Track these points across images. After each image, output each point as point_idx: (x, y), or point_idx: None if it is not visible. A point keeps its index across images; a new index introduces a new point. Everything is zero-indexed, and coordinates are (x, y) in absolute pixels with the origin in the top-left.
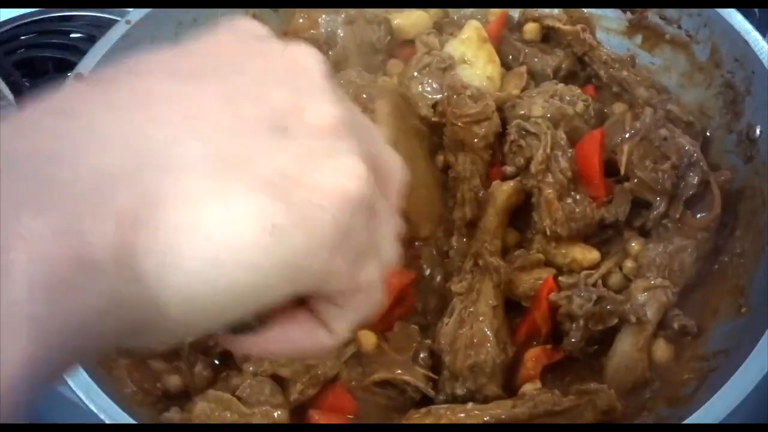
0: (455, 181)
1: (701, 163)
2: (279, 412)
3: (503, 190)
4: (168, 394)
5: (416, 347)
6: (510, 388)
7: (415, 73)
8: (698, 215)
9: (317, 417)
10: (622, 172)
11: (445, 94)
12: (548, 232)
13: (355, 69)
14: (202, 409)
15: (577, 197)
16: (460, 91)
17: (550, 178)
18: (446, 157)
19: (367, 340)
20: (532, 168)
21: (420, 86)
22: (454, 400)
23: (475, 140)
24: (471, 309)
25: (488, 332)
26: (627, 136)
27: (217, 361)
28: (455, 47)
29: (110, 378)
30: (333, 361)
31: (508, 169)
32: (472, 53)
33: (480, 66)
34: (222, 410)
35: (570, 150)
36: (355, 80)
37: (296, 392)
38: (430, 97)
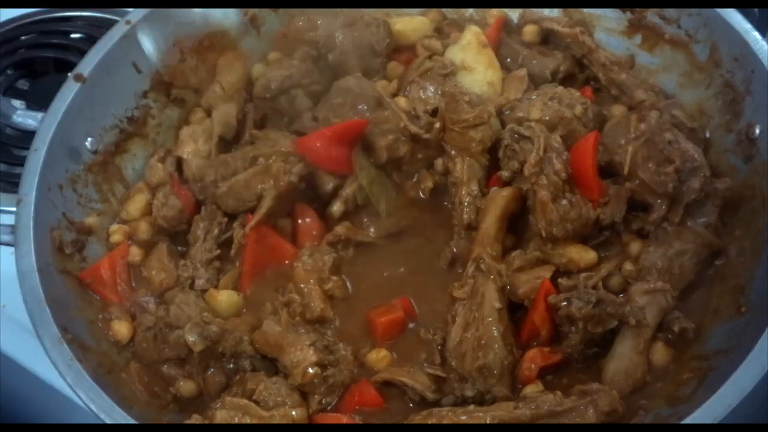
0: (454, 185)
1: (704, 169)
2: (296, 411)
3: (502, 197)
4: (180, 399)
5: (425, 351)
6: (513, 390)
7: (416, 78)
8: (698, 220)
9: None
10: (626, 171)
11: (443, 101)
12: (544, 234)
13: (354, 75)
14: (223, 417)
15: (573, 199)
16: (458, 97)
17: (544, 180)
18: (445, 163)
19: (379, 361)
20: (526, 171)
21: (420, 91)
22: (463, 402)
23: (473, 145)
24: (476, 313)
25: (495, 334)
26: (632, 137)
27: (230, 365)
28: (455, 53)
29: (111, 379)
30: (348, 368)
31: (504, 173)
32: (472, 59)
33: (480, 72)
34: (242, 416)
35: (566, 152)
36: (354, 89)
37: (315, 404)
38: (429, 102)
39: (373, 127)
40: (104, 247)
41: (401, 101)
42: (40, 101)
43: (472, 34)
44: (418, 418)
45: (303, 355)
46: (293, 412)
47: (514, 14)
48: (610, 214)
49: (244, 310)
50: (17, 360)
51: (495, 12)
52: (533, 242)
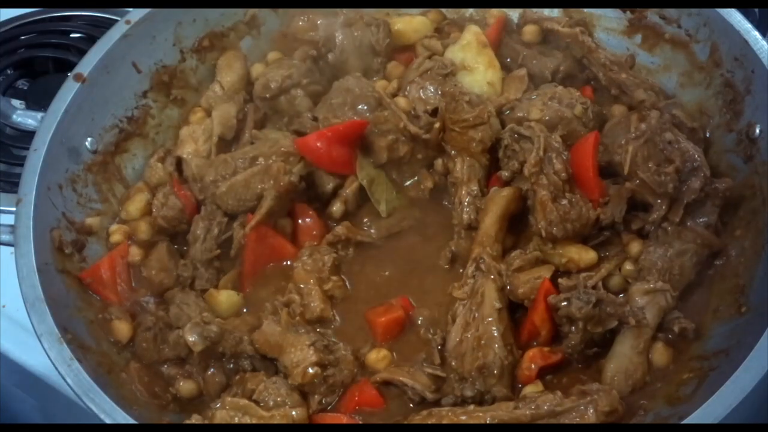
0: (454, 185)
1: (704, 169)
2: (297, 411)
3: (502, 197)
4: (180, 399)
5: (425, 351)
6: (513, 390)
7: (416, 78)
8: (698, 220)
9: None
10: (626, 171)
11: (443, 101)
12: (544, 234)
13: (353, 75)
14: (222, 417)
15: (573, 198)
16: (458, 97)
17: (544, 180)
18: (445, 163)
19: (379, 361)
20: (526, 171)
21: (420, 91)
22: (462, 402)
23: (473, 144)
24: (476, 312)
25: (495, 334)
26: (632, 137)
27: (230, 365)
28: (455, 53)
29: (111, 379)
30: (348, 368)
31: (504, 173)
32: (472, 58)
33: (480, 72)
34: (242, 416)
35: (566, 152)
36: (354, 89)
37: (315, 404)
38: (429, 102)
39: (373, 127)
40: (104, 247)
41: (401, 101)
42: (39, 101)
43: (472, 34)
44: (418, 418)
45: (303, 355)
46: (293, 412)
47: (514, 14)
48: (610, 214)
49: (244, 310)
50: (17, 360)
51: (495, 12)
52: (533, 242)
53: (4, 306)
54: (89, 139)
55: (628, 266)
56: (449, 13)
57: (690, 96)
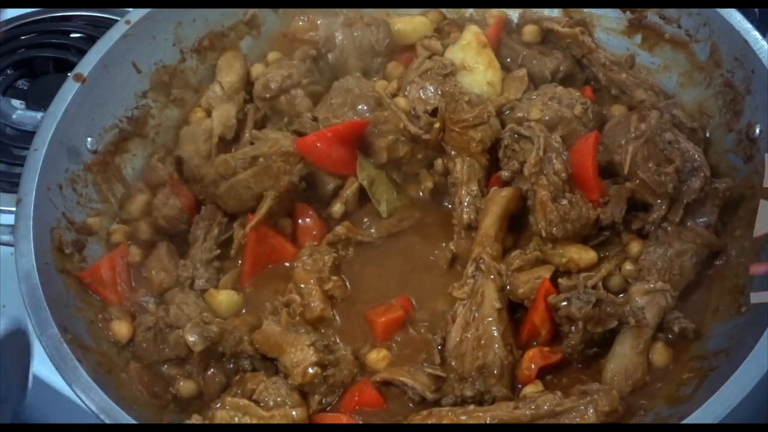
0: (454, 185)
1: (704, 169)
2: (297, 411)
3: (502, 197)
4: (180, 399)
5: (425, 351)
6: (513, 390)
7: (416, 78)
8: (698, 220)
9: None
10: (626, 171)
11: (443, 101)
12: (543, 234)
13: (353, 75)
14: (222, 417)
15: (573, 198)
16: (458, 97)
17: (544, 180)
18: (445, 163)
19: (379, 361)
20: (526, 171)
21: (420, 91)
22: (462, 402)
23: (473, 144)
24: (476, 313)
25: (495, 334)
26: (632, 137)
27: (230, 365)
28: (455, 53)
29: (111, 379)
30: (349, 368)
31: (504, 173)
32: (472, 58)
33: (480, 71)
34: (242, 416)
35: (565, 152)
36: (354, 89)
37: (315, 404)
38: (429, 102)
39: (373, 128)
40: (104, 247)
41: (401, 101)
42: (40, 101)
43: (472, 34)
44: (418, 418)
45: (303, 355)
46: (293, 412)
47: (514, 14)
48: (610, 214)
49: (244, 310)
50: (17, 360)
51: (495, 12)
52: (533, 242)
53: (4, 306)
54: (89, 139)
55: (628, 266)
56: (449, 13)
57: (690, 96)
